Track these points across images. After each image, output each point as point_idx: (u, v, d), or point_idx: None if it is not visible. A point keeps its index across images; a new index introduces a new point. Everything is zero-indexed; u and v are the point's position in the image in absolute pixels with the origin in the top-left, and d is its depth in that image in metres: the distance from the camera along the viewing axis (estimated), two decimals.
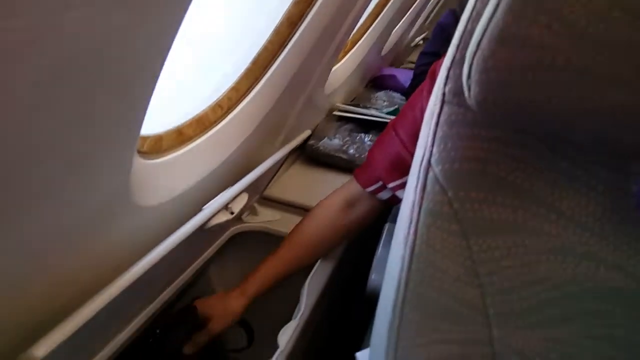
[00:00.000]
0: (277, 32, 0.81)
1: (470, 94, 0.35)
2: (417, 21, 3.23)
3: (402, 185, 0.89)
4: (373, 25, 1.90)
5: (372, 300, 1.10)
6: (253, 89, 0.86)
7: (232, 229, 1.10)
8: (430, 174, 0.43)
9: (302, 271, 1.03)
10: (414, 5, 2.58)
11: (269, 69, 0.85)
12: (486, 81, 0.34)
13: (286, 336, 0.79)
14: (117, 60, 0.41)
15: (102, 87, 0.42)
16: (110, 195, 0.53)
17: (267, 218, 1.18)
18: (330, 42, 1.05)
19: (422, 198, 0.43)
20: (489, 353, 0.44)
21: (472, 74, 0.34)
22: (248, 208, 1.13)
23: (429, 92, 0.82)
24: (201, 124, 0.76)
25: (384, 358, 0.45)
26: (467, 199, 0.42)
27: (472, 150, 0.42)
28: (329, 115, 1.71)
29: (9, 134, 0.36)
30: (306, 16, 0.80)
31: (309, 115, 1.44)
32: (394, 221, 1.26)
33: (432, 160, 0.43)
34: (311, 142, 1.51)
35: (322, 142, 1.50)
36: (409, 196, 0.45)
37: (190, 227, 0.65)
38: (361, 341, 1.04)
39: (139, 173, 0.57)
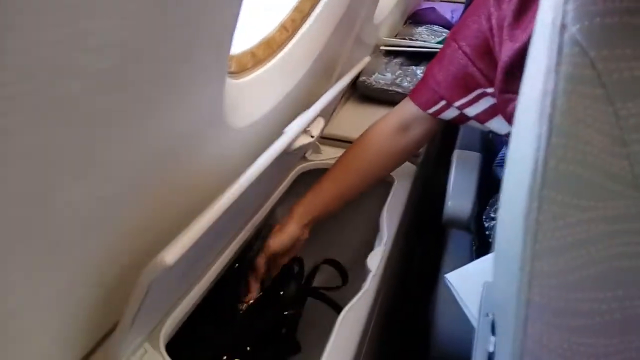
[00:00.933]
0: None
1: None
2: None
3: (470, 103, 0.83)
4: None
5: (449, 226, 1.07)
6: (314, 9, 0.81)
7: (298, 167, 1.09)
8: (567, 35, 0.38)
9: (375, 203, 1.01)
10: None
11: None
12: None
13: (375, 260, 0.78)
14: None
15: (190, 9, 0.40)
16: (206, 116, 0.52)
17: (330, 155, 1.16)
18: None
19: (558, 63, 0.39)
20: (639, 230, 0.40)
21: None
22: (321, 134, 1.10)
23: (497, 3, 0.76)
24: (269, 46, 0.73)
25: (521, 247, 0.42)
26: (612, 57, 0.37)
27: (614, 1, 0.37)
28: (376, 51, 1.65)
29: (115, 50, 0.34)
30: None
31: (360, 50, 1.39)
32: (463, 148, 1.22)
33: (567, 19, 0.38)
34: (362, 78, 1.46)
35: (373, 76, 1.45)
36: (539, 67, 0.40)
37: (277, 149, 0.63)
38: (438, 270, 1.02)
39: (229, 93, 0.56)
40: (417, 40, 1.91)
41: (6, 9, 0.26)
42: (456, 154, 1.09)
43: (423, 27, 2.15)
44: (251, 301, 0.81)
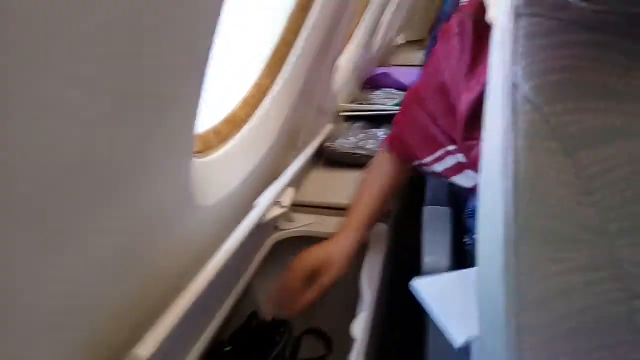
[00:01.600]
0: (292, 18, 0.79)
1: None
2: (397, 18, 3.25)
3: (436, 161, 0.87)
4: (361, 23, 1.89)
5: None
6: (274, 84, 0.84)
7: (272, 237, 1.07)
8: (519, 94, 0.40)
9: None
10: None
11: (288, 60, 0.83)
12: None
13: (360, 327, 0.76)
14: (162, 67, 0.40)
15: (150, 96, 0.41)
16: (174, 196, 0.51)
17: (303, 222, 1.16)
18: (336, 32, 1.04)
19: (514, 122, 0.40)
20: (615, 275, 0.40)
21: None
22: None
23: (446, 52, 0.81)
24: (233, 123, 0.74)
25: (504, 302, 0.42)
26: (564, 112, 0.40)
27: (561, 60, 0.39)
28: (337, 118, 1.69)
29: (73, 138, 0.34)
30: None
31: (321, 118, 1.43)
32: (432, 204, 1.24)
33: (518, 80, 0.40)
34: (327, 144, 1.48)
35: (337, 142, 1.48)
36: (497, 125, 0.42)
37: (249, 224, 0.63)
38: (423, 324, 1.01)
39: (196, 173, 0.55)
40: (375, 104, 1.98)
41: None
42: (426, 211, 1.11)
43: (379, 90, 2.23)
44: None
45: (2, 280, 0.35)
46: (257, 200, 0.70)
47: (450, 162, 0.85)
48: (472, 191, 0.90)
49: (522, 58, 0.40)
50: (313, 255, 0.80)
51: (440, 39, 0.83)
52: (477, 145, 0.75)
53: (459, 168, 0.84)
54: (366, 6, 2.01)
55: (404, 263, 1.17)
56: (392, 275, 1.11)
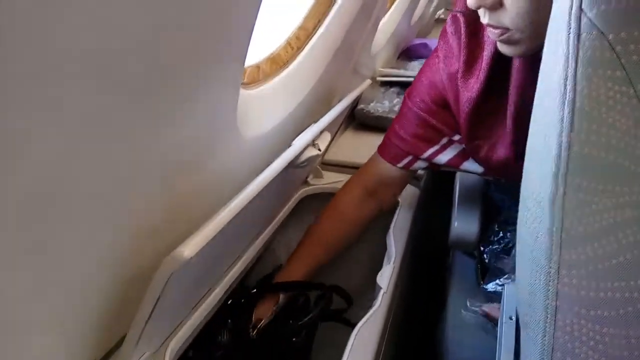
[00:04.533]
0: None
1: None
2: None
3: (439, 151, 0.85)
4: None
5: (456, 248, 1.06)
6: (318, 28, 0.83)
7: (301, 190, 1.08)
8: (584, 20, 0.39)
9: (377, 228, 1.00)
10: None
11: (334, 4, 0.82)
12: None
13: (386, 278, 0.76)
14: None
15: (205, 24, 0.42)
16: (221, 124, 0.52)
17: (332, 179, 1.16)
18: None
19: (577, 48, 0.39)
20: None
21: None
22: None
23: (446, 52, 0.78)
24: (275, 62, 0.73)
25: (547, 236, 0.41)
26: (630, 39, 0.38)
27: None
28: (372, 82, 1.67)
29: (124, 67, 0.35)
30: None
31: (357, 80, 1.42)
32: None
33: (584, 5, 0.39)
34: (361, 106, 1.47)
35: (372, 105, 1.47)
36: (559, 52, 0.40)
37: (286, 158, 0.63)
38: (445, 292, 1.01)
39: (242, 103, 0.56)
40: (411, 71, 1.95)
41: None
42: (459, 177, 1.09)
43: (415, 61, 2.19)
44: (262, 326, 0.79)
45: (60, 174, 0.36)
46: (295, 139, 0.70)
47: (455, 149, 0.84)
48: (482, 175, 0.88)
49: None
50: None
51: (441, 38, 0.82)
52: (484, 145, 0.75)
53: (465, 154, 0.83)
54: None
55: (434, 226, 1.16)
56: (420, 236, 1.11)
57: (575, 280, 0.41)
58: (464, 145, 0.82)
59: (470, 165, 0.85)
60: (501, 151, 0.72)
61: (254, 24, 0.52)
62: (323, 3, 0.82)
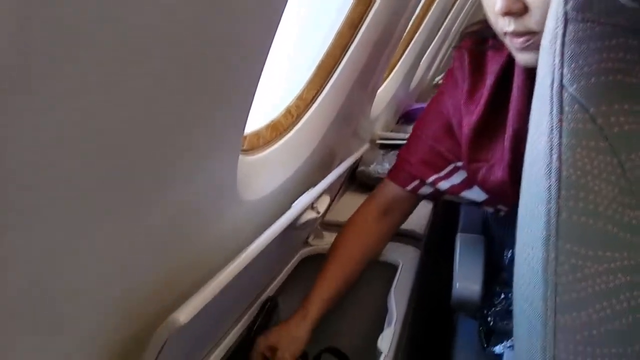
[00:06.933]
0: (340, 34, 0.82)
1: None
2: (437, 58, 3.30)
3: (444, 177, 0.90)
4: (403, 57, 1.93)
5: (458, 309, 1.05)
6: (317, 97, 0.86)
7: (301, 252, 1.08)
8: (565, 95, 0.41)
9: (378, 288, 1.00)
10: (435, 39, 2.64)
11: (332, 75, 0.86)
12: None
13: (387, 341, 0.75)
14: (220, 64, 0.43)
15: (206, 93, 0.44)
16: (220, 189, 0.54)
17: (332, 241, 1.16)
18: (379, 59, 1.07)
19: (560, 120, 0.41)
20: None
21: None
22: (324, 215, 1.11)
23: (451, 91, 0.84)
24: (275, 129, 0.76)
25: (542, 301, 0.41)
26: (611, 112, 0.40)
27: (607, 63, 0.40)
28: (372, 144, 1.71)
29: (124, 137, 0.37)
30: (366, 17, 0.82)
31: (357, 143, 1.45)
32: (465, 231, 1.23)
33: (565, 81, 0.41)
34: (361, 168, 1.50)
35: (372, 166, 1.50)
36: (543, 125, 0.42)
37: (285, 221, 0.64)
38: (448, 355, 0.99)
39: (241, 168, 0.58)
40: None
41: None
42: (459, 237, 1.10)
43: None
44: None
45: (56, 238, 0.37)
46: (294, 202, 0.72)
47: (460, 177, 0.89)
48: (482, 205, 0.91)
49: (571, 61, 0.41)
50: (272, 335, 0.81)
51: (446, 76, 0.91)
52: (483, 167, 0.80)
53: (467, 183, 0.88)
54: (409, 43, 2.06)
55: (435, 288, 1.15)
56: (421, 297, 1.10)
57: (571, 346, 0.41)
58: (466, 175, 0.86)
59: (470, 193, 0.89)
60: (498, 173, 0.76)
61: (255, 94, 0.54)
62: (321, 75, 0.86)
